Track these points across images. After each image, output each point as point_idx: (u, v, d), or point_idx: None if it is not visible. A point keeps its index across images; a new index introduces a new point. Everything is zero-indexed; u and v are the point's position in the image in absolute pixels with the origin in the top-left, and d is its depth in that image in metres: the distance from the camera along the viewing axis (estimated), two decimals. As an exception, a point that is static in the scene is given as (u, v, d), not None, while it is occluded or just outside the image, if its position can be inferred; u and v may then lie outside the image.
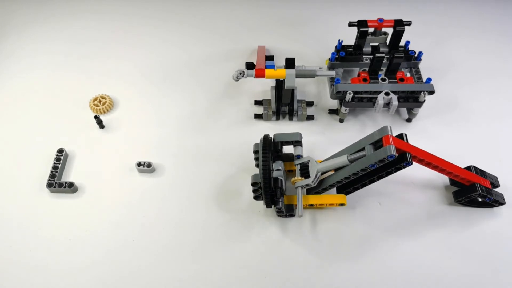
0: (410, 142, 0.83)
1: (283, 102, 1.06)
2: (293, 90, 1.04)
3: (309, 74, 0.99)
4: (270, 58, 1.07)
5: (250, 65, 1.01)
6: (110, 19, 1.39)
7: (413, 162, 0.79)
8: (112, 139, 1.06)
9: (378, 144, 0.81)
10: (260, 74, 0.99)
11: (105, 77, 1.21)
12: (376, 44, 1.13)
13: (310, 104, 1.11)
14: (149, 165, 0.97)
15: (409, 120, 1.08)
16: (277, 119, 1.09)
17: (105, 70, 1.23)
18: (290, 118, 1.09)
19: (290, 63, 1.00)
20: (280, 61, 1.14)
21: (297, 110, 1.07)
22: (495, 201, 0.88)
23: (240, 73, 0.99)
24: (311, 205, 0.88)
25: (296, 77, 0.98)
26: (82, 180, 0.98)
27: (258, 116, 1.09)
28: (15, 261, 0.86)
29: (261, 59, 1.06)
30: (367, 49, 1.13)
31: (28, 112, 1.12)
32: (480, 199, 0.89)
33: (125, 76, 1.21)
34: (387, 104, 1.01)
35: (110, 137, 1.06)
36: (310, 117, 1.09)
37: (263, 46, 1.24)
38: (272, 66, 1.01)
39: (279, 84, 1.04)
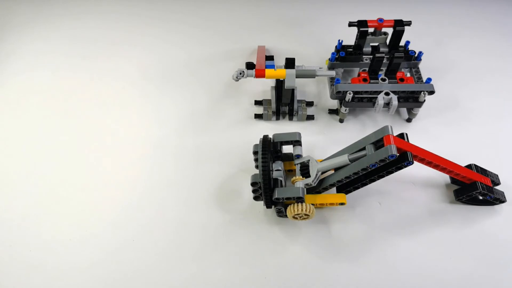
0: (410, 141, 0.83)
1: (283, 102, 1.06)
2: (293, 90, 1.04)
3: (309, 74, 0.99)
4: (270, 58, 1.07)
5: (250, 65, 1.01)
6: (110, 19, 1.40)
7: (414, 162, 0.79)
8: (112, 139, 1.06)
9: (379, 143, 0.81)
10: (260, 74, 0.98)
11: (105, 77, 1.21)
12: (376, 44, 1.13)
13: (310, 104, 1.11)
14: None
15: (409, 120, 1.08)
16: (277, 119, 1.09)
17: (105, 70, 1.23)
18: (290, 118, 1.09)
19: (290, 63, 1.00)
20: (280, 61, 1.15)
21: (297, 110, 1.07)
22: (496, 199, 0.88)
23: (240, 73, 0.98)
24: (312, 204, 0.88)
25: (296, 77, 0.98)
26: (82, 179, 0.98)
27: (258, 116, 1.09)
28: (15, 261, 0.85)
29: (261, 59, 1.05)
30: (367, 49, 1.13)
31: (28, 112, 1.12)
32: (481, 197, 0.89)
33: (125, 76, 1.21)
34: (387, 104, 1.01)
35: (110, 137, 1.06)
36: (310, 117, 1.09)
37: (263, 46, 1.23)
38: (272, 66, 1.01)
39: (279, 84, 1.04)
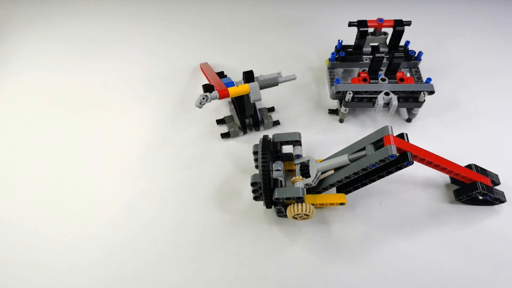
0: (410, 141, 0.83)
1: (247, 115, 1.03)
2: None
3: (272, 83, 0.96)
4: (220, 74, 1.03)
5: (207, 88, 0.96)
6: (110, 19, 1.40)
7: (414, 162, 0.79)
8: (112, 139, 1.06)
9: (379, 143, 0.81)
10: (224, 95, 0.92)
11: (105, 77, 1.21)
12: (376, 44, 1.13)
13: (271, 109, 1.10)
14: None
15: (409, 120, 1.08)
16: (245, 133, 1.06)
17: (105, 70, 1.23)
18: (257, 129, 1.06)
19: (249, 76, 0.96)
20: (234, 75, 1.13)
21: (261, 119, 1.05)
22: (496, 199, 0.88)
23: (204, 98, 0.91)
24: (312, 204, 0.88)
25: (260, 89, 0.94)
26: (82, 179, 0.98)
27: (225, 136, 1.05)
28: (15, 261, 0.85)
29: (214, 78, 1.00)
30: (367, 49, 1.13)
31: (28, 112, 1.12)
32: (481, 197, 0.89)
33: (125, 76, 1.21)
34: (387, 104, 1.01)
35: (110, 136, 1.06)
36: (276, 123, 1.07)
37: (206, 63, 1.19)
38: (232, 84, 0.98)
39: (238, 99, 1.01)
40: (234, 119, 1.05)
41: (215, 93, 0.92)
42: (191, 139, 1.05)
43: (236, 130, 1.04)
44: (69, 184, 0.97)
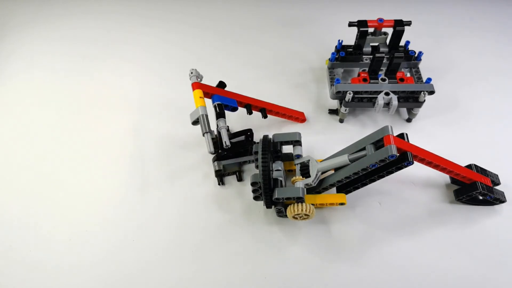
0: (410, 141, 0.83)
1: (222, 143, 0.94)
2: (246, 142, 0.97)
3: (203, 128, 0.85)
4: (262, 111, 0.99)
5: (220, 84, 0.94)
6: (110, 19, 1.40)
7: (414, 162, 0.79)
8: (113, 138, 1.06)
9: (379, 143, 0.81)
10: (193, 87, 0.91)
11: (105, 77, 1.21)
12: (376, 44, 1.13)
13: (239, 176, 0.97)
14: None
15: (409, 120, 1.08)
16: (210, 151, 0.92)
17: (105, 70, 1.23)
18: (213, 159, 0.97)
19: (219, 113, 0.89)
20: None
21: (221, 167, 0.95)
22: (496, 199, 0.88)
23: (191, 72, 0.93)
24: (312, 204, 0.88)
25: (196, 120, 0.88)
26: (82, 179, 0.98)
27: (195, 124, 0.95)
28: (15, 261, 0.85)
29: (240, 97, 0.94)
30: (367, 49, 1.13)
31: (27, 112, 1.12)
32: (481, 197, 0.89)
33: (125, 76, 1.21)
34: (387, 104, 1.01)
35: (110, 136, 1.06)
36: (220, 179, 0.97)
37: (302, 113, 1.10)
38: (229, 101, 0.92)
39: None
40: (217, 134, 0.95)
41: (194, 79, 0.92)
42: (193, 139, 1.05)
43: (208, 141, 0.91)
44: (69, 184, 0.97)
